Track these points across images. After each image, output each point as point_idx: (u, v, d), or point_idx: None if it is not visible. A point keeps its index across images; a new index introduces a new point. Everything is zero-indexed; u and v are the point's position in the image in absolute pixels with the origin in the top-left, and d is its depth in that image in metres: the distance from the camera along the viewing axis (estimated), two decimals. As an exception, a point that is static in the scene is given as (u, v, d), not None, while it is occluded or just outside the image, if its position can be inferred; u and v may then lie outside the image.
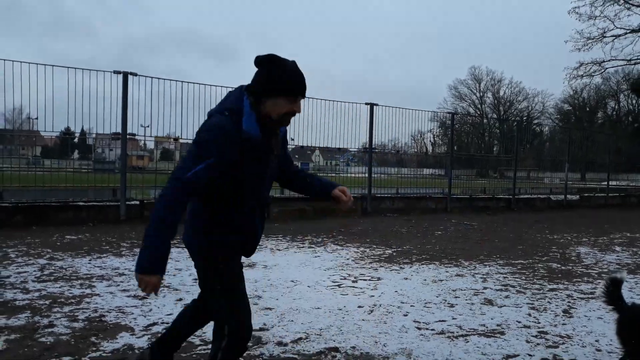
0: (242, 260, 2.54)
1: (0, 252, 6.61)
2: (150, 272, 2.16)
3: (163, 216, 2.14)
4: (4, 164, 10.50)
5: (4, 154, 12.76)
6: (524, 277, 6.23)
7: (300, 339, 3.85)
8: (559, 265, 7.07)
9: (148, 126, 11.07)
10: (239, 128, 2.17)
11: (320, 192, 2.62)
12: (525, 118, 56.78)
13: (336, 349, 3.66)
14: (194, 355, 3.49)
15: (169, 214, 2.13)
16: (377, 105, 13.28)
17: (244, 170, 2.25)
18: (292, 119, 2.36)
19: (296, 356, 3.50)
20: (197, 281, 2.52)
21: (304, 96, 2.30)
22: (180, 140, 12.62)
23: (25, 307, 4.44)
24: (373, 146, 13.57)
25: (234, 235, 2.37)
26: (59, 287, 5.10)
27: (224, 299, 2.36)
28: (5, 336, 3.73)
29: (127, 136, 10.04)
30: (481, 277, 6.16)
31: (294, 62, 2.26)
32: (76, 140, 16.86)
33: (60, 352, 3.46)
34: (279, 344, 3.73)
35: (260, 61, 2.24)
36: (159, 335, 2.66)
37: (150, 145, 15.83)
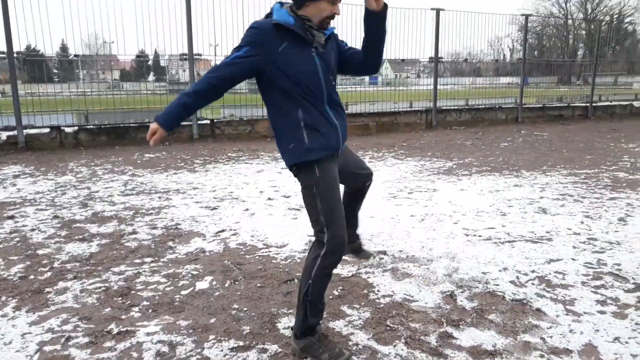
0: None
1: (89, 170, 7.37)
2: (155, 121, 2.34)
3: (182, 93, 2.37)
4: (88, 89, 11.25)
5: (87, 79, 13.64)
6: (585, 187, 6.17)
7: (351, 244, 4.18)
8: (626, 175, 6.87)
9: (217, 45, 11.37)
10: (270, 21, 2.33)
11: (366, 27, 2.49)
12: (615, 16, 51.63)
13: (384, 252, 3.95)
14: (257, 257, 3.91)
15: (186, 90, 2.37)
16: (443, 10, 12.69)
17: (291, 57, 2.33)
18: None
19: (347, 258, 3.82)
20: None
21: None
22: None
23: (112, 217, 5.05)
24: (441, 56, 13.15)
25: (313, 136, 2.40)
26: (141, 200, 5.70)
27: (319, 206, 2.40)
28: (98, 241, 4.33)
29: (194, 56, 10.38)
30: (540, 187, 6.17)
31: None
32: (150, 62, 17.50)
33: (143, 254, 4.01)
34: (332, 248, 4.07)
35: None
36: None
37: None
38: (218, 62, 2.52)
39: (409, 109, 13.11)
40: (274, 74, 2.36)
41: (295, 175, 2.51)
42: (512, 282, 3.39)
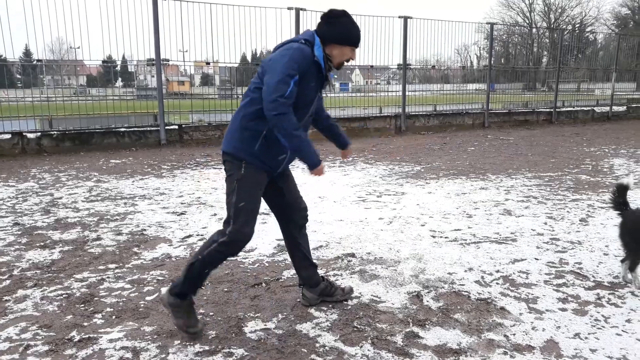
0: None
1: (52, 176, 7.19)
2: (318, 163, 2.70)
3: (292, 130, 2.54)
4: (52, 94, 11.00)
5: (51, 84, 13.32)
6: (548, 189, 6.32)
7: (320, 246, 4.18)
8: (588, 177, 7.07)
9: (186, 51, 11.26)
10: (312, 53, 2.63)
11: (339, 144, 3.27)
12: (577, 25, 53.23)
13: (352, 255, 3.97)
14: (224, 262, 3.86)
15: (293, 126, 2.54)
16: (411, 18, 12.87)
17: (305, 87, 2.60)
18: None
19: (315, 261, 3.80)
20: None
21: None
22: (219, 64, 12.87)
23: (76, 223, 4.94)
24: (409, 62, 13.32)
25: (263, 149, 2.66)
26: (105, 206, 5.59)
27: (233, 199, 2.62)
28: (60, 248, 4.22)
29: (162, 61, 10.26)
30: (505, 190, 6.29)
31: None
32: (118, 68, 17.22)
33: (107, 261, 3.92)
34: (301, 251, 4.06)
35: (336, 15, 2.73)
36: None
37: (191, 70, 16.10)
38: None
39: (378, 115, 13.23)
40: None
41: (223, 162, 2.76)
42: (477, 282, 3.44)
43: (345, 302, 3.12)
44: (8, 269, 3.74)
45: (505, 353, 2.53)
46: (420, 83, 17.30)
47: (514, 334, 2.72)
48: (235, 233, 2.61)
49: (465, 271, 3.62)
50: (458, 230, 4.63)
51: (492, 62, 15.23)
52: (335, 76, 21.88)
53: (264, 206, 3.00)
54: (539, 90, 21.62)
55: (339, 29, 2.70)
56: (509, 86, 18.25)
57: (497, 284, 3.41)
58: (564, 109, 16.60)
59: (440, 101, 15.33)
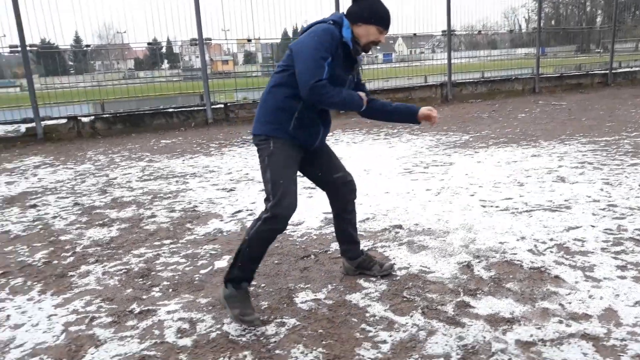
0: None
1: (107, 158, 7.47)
2: (362, 102, 2.71)
3: (338, 99, 2.56)
4: (102, 79, 11.36)
5: (102, 69, 13.74)
6: (605, 154, 6.06)
7: (367, 219, 4.18)
8: (648, 140, 6.73)
9: (228, 30, 11.34)
10: (340, 34, 2.62)
11: (406, 114, 2.97)
12: (635, -20, 49.97)
13: (400, 226, 3.95)
14: (273, 236, 3.94)
15: (337, 97, 2.55)
16: (455, -17, 12.44)
17: (334, 70, 2.58)
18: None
19: (362, 233, 3.84)
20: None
21: (387, 31, 2.77)
22: (261, 41, 12.91)
23: (131, 202, 5.13)
24: (454, 28, 12.93)
25: (297, 127, 2.68)
26: (158, 185, 5.77)
27: (268, 176, 2.65)
28: (117, 225, 4.40)
29: (204, 41, 10.37)
30: (558, 157, 6.07)
31: None
32: (164, 50, 17.51)
33: (162, 237, 4.07)
34: (348, 224, 4.08)
35: None
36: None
37: (233, 49, 16.19)
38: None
39: (423, 84, 12.96)
40: None
41: (256, 144, 2.76)
42: (530, 250, 3.36)
43: (394, 273, 3.13)
44: (71, 246, 3.94)
45: (560, 322, 2.48)
46: (466, 50, 16.81)
47: (570, 303, 2.66)
48: (277, 206, 2.57)
49: (517, 240, 3.55)
50: (509, 199, 4.53)
51: (541, 24, 14.56)
52: (378, 47, 21.54)
53: (310, 181, 3.04)
54: (593, 51, 20.58)
55: (364, 6, 2.68)
56: (561, 49, 17.45)
57: (551, 252, 3.32)
58: (620, 70, 15.75)
59: (487, 67, 14.85)
